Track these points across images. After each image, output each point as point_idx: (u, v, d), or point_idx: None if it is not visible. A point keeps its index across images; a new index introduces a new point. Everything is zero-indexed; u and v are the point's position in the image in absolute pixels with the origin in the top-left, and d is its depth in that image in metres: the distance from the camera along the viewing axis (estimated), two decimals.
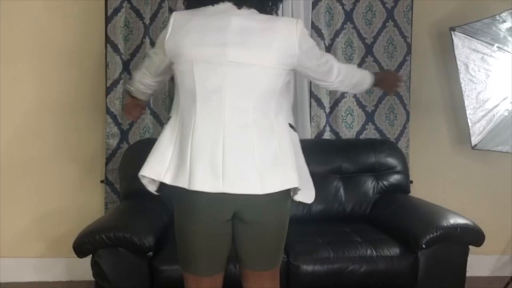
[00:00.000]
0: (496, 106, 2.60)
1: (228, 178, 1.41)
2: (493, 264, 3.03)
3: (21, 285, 2.80)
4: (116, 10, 2.74)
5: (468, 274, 2.25)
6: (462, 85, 2.63)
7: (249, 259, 1.56)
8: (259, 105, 1.46)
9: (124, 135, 2.82)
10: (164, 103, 2.80)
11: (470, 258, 2.27)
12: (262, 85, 1.46)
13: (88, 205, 2.86)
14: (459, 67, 2.61)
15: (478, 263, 2.80)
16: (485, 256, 2.95)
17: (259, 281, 1.58)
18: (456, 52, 2.61)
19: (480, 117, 2.62)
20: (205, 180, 1.42)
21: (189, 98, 1.47)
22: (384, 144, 2.78)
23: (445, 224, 2.17)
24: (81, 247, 2.05)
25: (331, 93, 2.88)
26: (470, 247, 2.25)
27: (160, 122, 2.80)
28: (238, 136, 1.44)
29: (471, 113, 2.61)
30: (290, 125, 1.57)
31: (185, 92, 1.49)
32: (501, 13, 2.46)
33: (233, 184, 1.42)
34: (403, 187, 2.70)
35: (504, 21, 2.46)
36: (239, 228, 1.52)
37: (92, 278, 2.11)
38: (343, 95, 2.88)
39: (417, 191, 2.82)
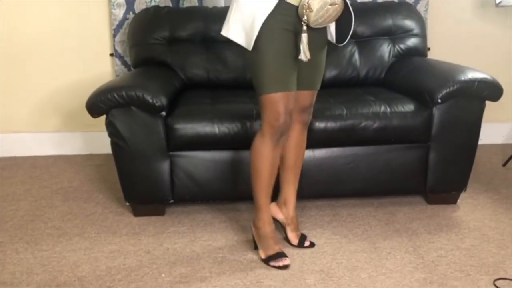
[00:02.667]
0: None
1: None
2: (507, 131, 3.01)
3: (42, 158, 2.90)
4: None
5: (480, 142, 2.23)
6: None
7: None
8: None
9: (130, 4, 2.72)
10: None
11: (484, 126, 2.22)
12: None
13: (99, 78, 2.80)
14: None
15: (492, 131, 2.79)
16: (499, 124, 2.94)
17: None
18: None
19: None
20: None
21: None
22: (402, 6, 2.64)
23: (462, 78, 2.10)
24: (94, 107, 2.05)
25: None
26: (485, 113, 2.18)
27: None
28: None
29: None
30: None
31: None
32: None
33: None
34: (420, 51, 2.61)
35: None
36: None
37: (110, 151, 2.14)
38: None
39: (435, 57, 2.72)
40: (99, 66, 2.85)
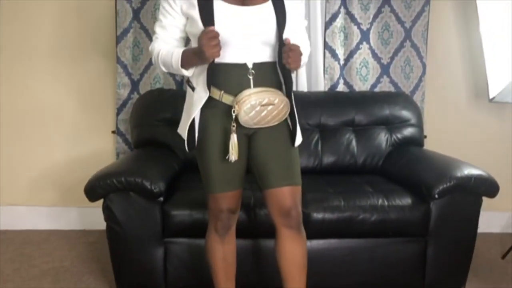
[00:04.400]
0: None
1: None
2: (505, 221, 3.00)
3: (35, 233, 2.86)
4: None
5: (478, 231, 2.22)
6: (482, 36, 2.54)
7: None
8: None
9: (135, 85, 2.80)
10: None
11: (481, 215, 2.23)
12: None
13: (100, 155, 2.88)
14: (480, 17, 2.52)
15: (489, 220, 2.78)
16: (497, 213, 2.93)
17: None
18: (478, 1, 2.51)
19: (499, 69, 2.53)
20: None
21: None
22: (399, 97, 2.72)
23: (459, 174, 2.13)
24: (92, 191, 2.06)
25: (346, 44, 2.81)
26: (482, 203, 2.20)
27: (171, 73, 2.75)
28: None
29: (490, 65, 2.53)
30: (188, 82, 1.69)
31: None
32: None
33: None
34: (417, 141, 2.66)
35: None
36: None
37: (104, 228, 2.13)
38: (358, 46, 2.81)
39: (431, 146, 2.77)
40: (100, 143, 2.89)
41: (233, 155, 1.60)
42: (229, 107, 1.59)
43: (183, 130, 1.69)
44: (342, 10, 2.77)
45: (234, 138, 1.59)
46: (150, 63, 2.76)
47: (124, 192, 2.06)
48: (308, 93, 2.76)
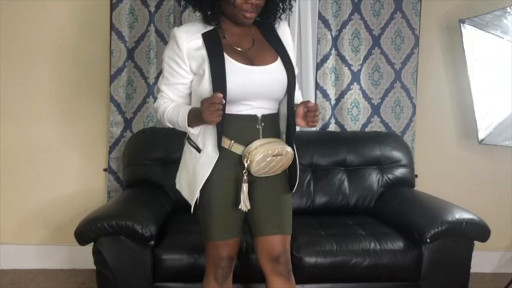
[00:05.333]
0: (505, 100, 2.56)
1: None
2: (497, 261, 3.00)
3: (23, 272, 2.80)
4: None
5: (471, 270, 2.23)
6: (470, 78, 2.59)
7: None
8: None
9: (127, 123, 2.80)
10: None
11: (474, 255, 2.25)
12: None
13: (91, 193, 2.85)
14: (467, 60, 2.57)
15: (481, 259, 2.78)
16: (489, 253, 2.93)
17: None
18: (465, 45, 2.57)
19: (487, 111, 2.58)
20: None
21: None
22: (390, 137, 2.75)
23: (450, 219, 2.14)
24: (83, 235, 2.04)
25: (337, 84, 2.85)
26: (474, 242, 2.22)
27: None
28: None
29: (479, 107, 2.57)
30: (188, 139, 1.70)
31: None
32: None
33: None
34: (408, 181, 2.68)
35: None
36: None
37: (94, 267, 2.11)
38: (349, 87, 2.85)
39: (422, 185, 2.80)
40: (92, 180, 2.87)
41: (245, 205, 1.62)
42: (238, 157, 1.61)
43: (188, 191, 1.67)
44: (333, 51, 2.83)
45: (245, 188, 1.61)
46: (143, 102, 2.78)
47: (114, 235, 2.04)
48: (300, 132, 2.78)
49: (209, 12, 1.62)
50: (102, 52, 2.80)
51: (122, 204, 2.28)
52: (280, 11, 1.70)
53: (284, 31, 1.76)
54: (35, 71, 2.82)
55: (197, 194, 1.63)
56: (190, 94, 1.71)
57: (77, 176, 2.87)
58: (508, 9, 2.42)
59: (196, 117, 1.58)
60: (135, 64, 2.78)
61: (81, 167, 2.87)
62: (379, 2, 2.83)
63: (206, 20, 1.64)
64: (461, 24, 2.57)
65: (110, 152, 2.80)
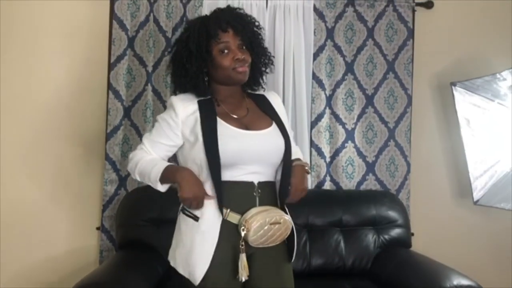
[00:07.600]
0: (498, 162, 2.58)
1: None
2: None
3: None
4: (119, 58, 2.76)
5: None
6: (463, 139, 2.62)
7: None
8: None
9: (122, 181, 2.79)
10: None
11: None
12: None
13: (83, 252, 2.80)
14: (460, 121, 2.62)
15: None
16: None
17: None
18: (457, 106, 2.62)
19: (481, 172, 2.60)
20: None
21: None
22: (385, 197, 2.74)
23: (448, 286, 2.11)
24: None
25: (332, 142, 2.87)
26: None
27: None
28: None
29: (473, 168, 2.59)
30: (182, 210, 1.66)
31: None
32: (501, 71, 2.48)
33: None
34: (404, 241, 2.66)
35: (504, 79, 2.47)
36: None
37: None
38: (343, 145, 2.87)
39: (418, 243, 2.78)
40: (84, 240, 2.82)
41: (243, 275, 1.56)
42: (234, 226, 1.58)
43: (187, 268, 1.59)
44: (327, 110, 2.87)
45: (244, 258, 1.56)
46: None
47: None
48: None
49: (197, 88, 1.67)
50: (99, 110, 2.82)
51: (114, 270, 2.23)
52: (264, 67, 1.75)
53: (275, 100, 1.81)
54: (30, 128, 2.82)
55: (205, 270, 1.55)
56: (168, 158, 1.70)
57: (70, 234, 2.82)
58: (498, 75, 2.48)
59: (172, 176, 1.57)
60: (132, 122, 2.80)
61: (74, 225, 2.82)
62: (372, 62, 2.90)
63: (198, 95, 1.68)
64: (453, 87, 2.62)
65: (103, 211, 2.77)
